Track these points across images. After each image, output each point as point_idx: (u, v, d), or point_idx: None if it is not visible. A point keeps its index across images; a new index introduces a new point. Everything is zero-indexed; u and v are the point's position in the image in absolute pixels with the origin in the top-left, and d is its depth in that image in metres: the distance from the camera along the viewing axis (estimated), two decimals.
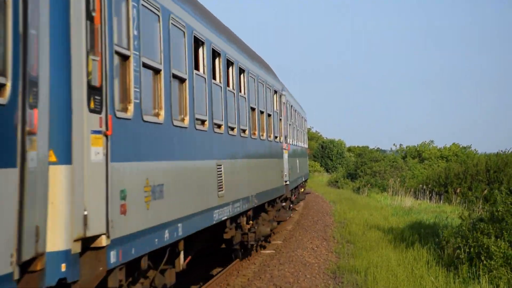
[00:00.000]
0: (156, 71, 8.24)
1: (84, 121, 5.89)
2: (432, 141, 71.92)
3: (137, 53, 7.33)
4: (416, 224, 23.69)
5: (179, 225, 8.67)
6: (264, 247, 18.53)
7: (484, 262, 13.50)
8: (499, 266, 13.32)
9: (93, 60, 6.08)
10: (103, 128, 6.22)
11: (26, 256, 4.75)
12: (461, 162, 43.39)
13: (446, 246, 15.70)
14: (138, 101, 7.29)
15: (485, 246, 13.65)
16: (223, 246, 13.85)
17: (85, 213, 5.81)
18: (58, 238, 5.49)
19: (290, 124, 24.82)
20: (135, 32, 7.28)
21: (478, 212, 16.84)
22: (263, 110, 17.04)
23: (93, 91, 6.06)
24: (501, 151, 41.26)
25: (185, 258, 9.51)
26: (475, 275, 13.47)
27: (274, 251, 18.45)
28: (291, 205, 25.52)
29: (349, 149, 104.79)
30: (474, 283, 13.09)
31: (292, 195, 25.83)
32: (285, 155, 21.91)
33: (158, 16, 8.25)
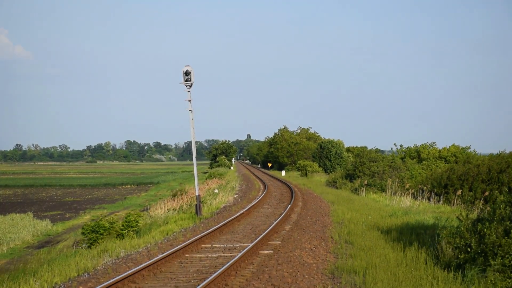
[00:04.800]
0: None
1: None
2: (434, 143, 71.41)
3: None
4: (415, 224, 23.59)
5: None
6: None
7: (491, 262, 13.36)
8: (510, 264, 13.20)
9: None
10: None
11: None
12: (464, 162, 42.84)
13: (445, 247, 15.71)
14: None
15: (496, 244, 13.46)
16: None
17: None
18: None
19: None
20: None
21: (478, 213, 16.65)
22: None
23: None
24: (503, 151, 41.00)
25: None
26: (476, 276, 13.48)
27: (272, 251, 18.27)
28: None
29: (348, 149, 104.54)
30: (474, 284, 13.11)
31: None
32: None
33: None
